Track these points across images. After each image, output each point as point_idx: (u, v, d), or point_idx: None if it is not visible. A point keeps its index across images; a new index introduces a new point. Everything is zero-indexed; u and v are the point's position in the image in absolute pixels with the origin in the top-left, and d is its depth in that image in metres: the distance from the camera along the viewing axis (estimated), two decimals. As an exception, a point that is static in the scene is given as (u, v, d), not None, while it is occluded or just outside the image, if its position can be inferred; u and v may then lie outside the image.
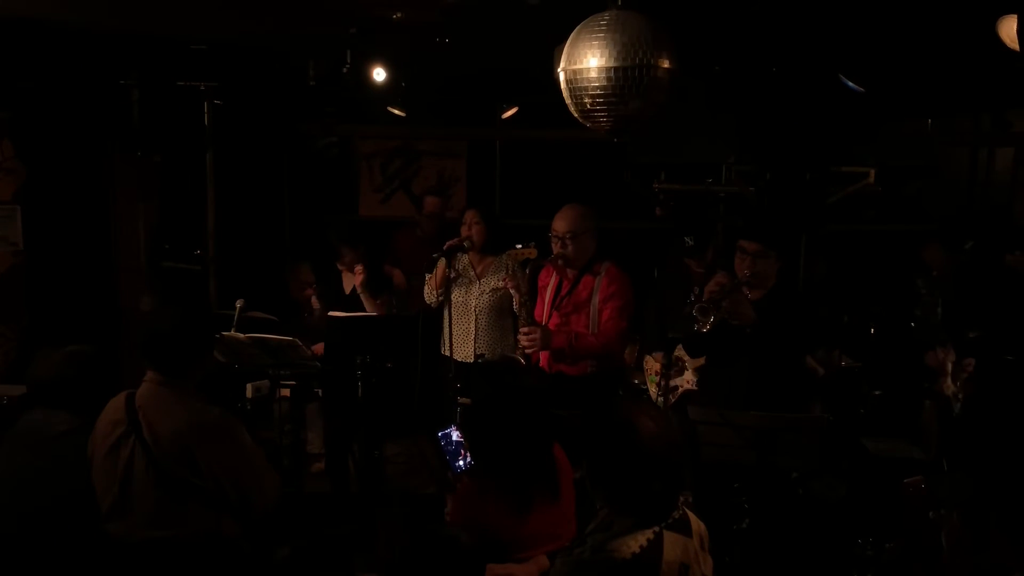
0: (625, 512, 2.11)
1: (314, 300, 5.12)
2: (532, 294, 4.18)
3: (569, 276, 4.09)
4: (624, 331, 4.11)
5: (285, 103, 6.23)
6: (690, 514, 2.21)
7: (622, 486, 2.11)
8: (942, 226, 4.92)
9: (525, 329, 3.99)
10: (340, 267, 4.93)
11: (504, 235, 4.58)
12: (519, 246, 4.37)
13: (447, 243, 4.41)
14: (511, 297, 4.48)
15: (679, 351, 4.41)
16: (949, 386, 4.39)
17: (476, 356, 4.41)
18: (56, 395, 3.04)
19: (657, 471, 2.09)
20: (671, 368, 4.49)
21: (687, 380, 4.51)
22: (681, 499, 2.21)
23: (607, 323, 3.99)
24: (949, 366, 4.40)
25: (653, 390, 4.64)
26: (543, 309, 4.16)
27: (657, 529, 2.08)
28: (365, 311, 4.71)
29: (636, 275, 4.17)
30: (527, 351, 3.98)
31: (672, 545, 2.08)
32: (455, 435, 2.92)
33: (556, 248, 4.02)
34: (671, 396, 4.48)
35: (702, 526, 2.24)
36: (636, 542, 2.05)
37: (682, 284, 4.48)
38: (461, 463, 2.87)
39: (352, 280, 4.86)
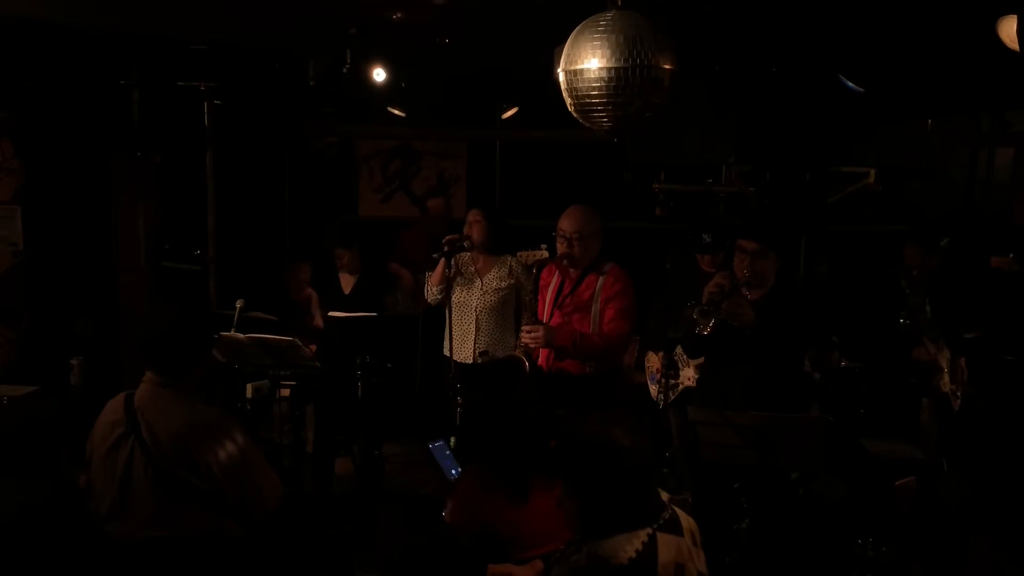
0: (611, 531, 2.11)
1: (314, 306, 5.10)
2: (534, 293, 4.17)
3: (572, 276, 4.08)
4: (627, 335, 4.09)
5: (285, 103, 6.23)
6: (678, 511, 2.22)
7: (606, 505, 2.11)
8: (917, 226, 4.96)
9: (528, 327, 3.99)
10: (339, 268, 4.93)
11: (507, 235, 4.57)
12: (527, 251, 4.33)
13: (446, 238, 4.41)
14: (512, 297, 4.47)
15: (678, 349, 4.40)
16: (946, 383, 4.38)
17: (478, 354, 4.41)
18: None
19: (638, 483, 2.11)
20: (671, 367, 4.48)
21: (687, 377, 4.50)
22: (667, 497, 2.23)
23: (609, 324, 3.98)
24: (944, 363, 4.40)
25: (654, 388, 4.63)
26: (545, 308, 4.16)
27: (650, 531, 2.10)
28: (364, 311, 4.70)
29: (636, 275, 4.17)
30: (530, 346, 3.98)
31: (666, 547, 2.09)
32: (447, 450, 2.93)
33: (562, 248, 4.02)
34: (671, 393, 4.48)
35: (691, 521, 2.26)
36: (631, 546, 2.06)
37: (690, 282, 4.46)
38: (455, 472, 2.88)
39: (350, 281, 4.86)
